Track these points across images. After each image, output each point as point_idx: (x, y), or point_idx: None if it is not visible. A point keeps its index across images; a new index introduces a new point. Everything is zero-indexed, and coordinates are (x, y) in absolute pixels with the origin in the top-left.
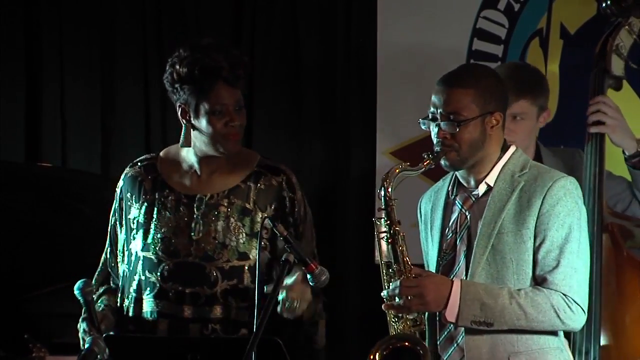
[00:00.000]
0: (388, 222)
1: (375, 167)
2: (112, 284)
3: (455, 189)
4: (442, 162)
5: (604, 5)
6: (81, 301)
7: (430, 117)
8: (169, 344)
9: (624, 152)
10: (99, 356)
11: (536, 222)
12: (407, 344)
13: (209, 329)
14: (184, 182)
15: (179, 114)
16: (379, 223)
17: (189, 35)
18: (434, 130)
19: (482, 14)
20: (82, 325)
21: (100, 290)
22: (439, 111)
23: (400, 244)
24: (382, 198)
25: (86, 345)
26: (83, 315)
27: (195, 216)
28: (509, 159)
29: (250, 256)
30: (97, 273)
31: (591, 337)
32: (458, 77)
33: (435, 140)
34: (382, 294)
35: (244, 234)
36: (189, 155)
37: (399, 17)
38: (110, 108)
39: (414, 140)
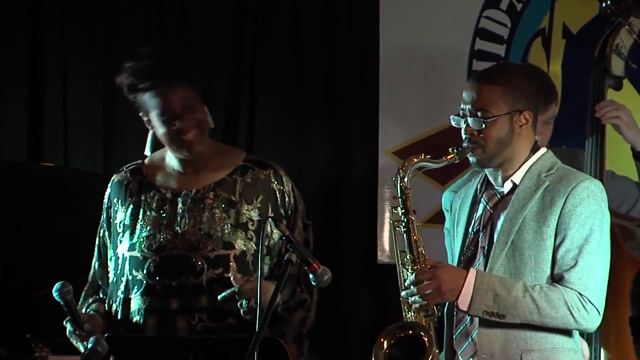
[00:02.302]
0: (403, 210)
1: (378, 167)
2: (101, 295)
3: (483, 187)
4: (470, 158)
5: (604, 5)
6: (61, 303)
7: (460, 113)
8: (170, 343)
9: (632, 149)
10: (102, 356)
11: (557, 221)
12: (410, 332)
13: (196, 319)
14: (170, 182)
15: (145, 121)
16: (395, 211)
17: (192, 35)
18: (462, 127)
19: (485, 13)
20: (67, 327)
21: (90, 300)
22: (467, 107)
23: (414, 234)
24: (398, 187)
25: (89, 345)
26: (68, 317)
27: (180, 211)
28: (537, 159)
29: (236, 245)
30: (86, 287)
31: (593, 337)
32: (488, 74)
33: (463, 137)
34: (402, 293)
35: (229, 225)
36: (171, 159)
37: (401, 17)
38: (112, 108)
39: (416, 140)
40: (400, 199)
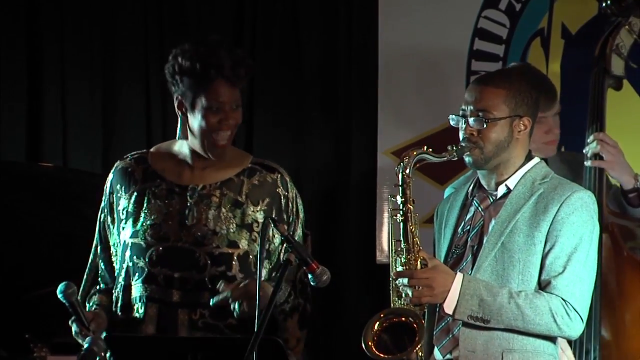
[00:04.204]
0: (403, 199)
1: (376, 167)
2: (102, 284)
3: (474, 190)
4: (466, 158)
5: (604, 4)
6: (66, 304)
7: (460, 113)
8: (169, 343)
9: (621, 187)
10: (98, 356)
11: (549, 228)
12: (403, 319)
13: (197, 314)
14: (176, 173)
15: (176, 105)
16: (394, 200)
17: (191, 36)
18: (462, 127)
19: (483, 13)
20: (73, 327)
21: (92, 291)
22: (469, 108)
23: (411, 223)
24: (400, 175)
25: (85, 345)
26: (73, 317)
27: (188, 204)
28: (532, 167)
29: (240, 245)
30: (86, 274)
31: (591, 337)
32: (492, 77)
33: (461, 137)
34: (397, 280)
35: (234, 225)
36: (182, 149)
37: (400, 17)
38: (111, 108)
39: (415, 140)
40: (400, 187)
